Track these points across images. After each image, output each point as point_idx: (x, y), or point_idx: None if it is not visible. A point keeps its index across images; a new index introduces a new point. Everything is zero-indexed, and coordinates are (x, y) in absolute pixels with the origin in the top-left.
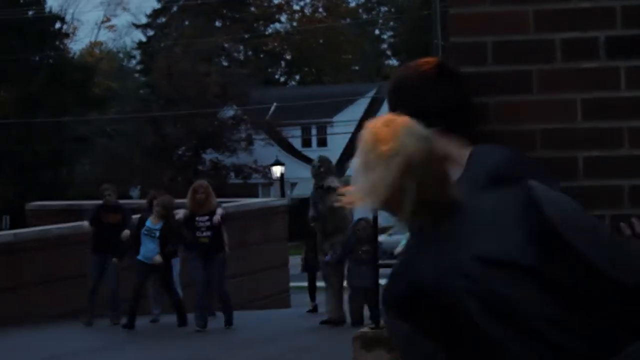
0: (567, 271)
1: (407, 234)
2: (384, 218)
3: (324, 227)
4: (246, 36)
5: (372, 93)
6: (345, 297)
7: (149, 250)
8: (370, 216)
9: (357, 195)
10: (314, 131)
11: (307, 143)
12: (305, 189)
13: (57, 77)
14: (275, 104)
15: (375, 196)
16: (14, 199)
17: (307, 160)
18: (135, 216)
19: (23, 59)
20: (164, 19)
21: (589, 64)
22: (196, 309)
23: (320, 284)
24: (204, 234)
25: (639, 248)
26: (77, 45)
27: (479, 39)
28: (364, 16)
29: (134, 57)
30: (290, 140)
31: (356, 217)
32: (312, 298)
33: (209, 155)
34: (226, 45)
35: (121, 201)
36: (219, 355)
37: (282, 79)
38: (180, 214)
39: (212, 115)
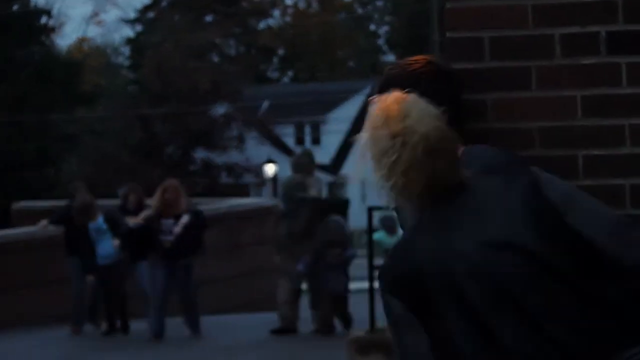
0: (568, 255)
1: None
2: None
3: (293, 226)
4: (238, 32)
5: (367, 90)
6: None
7: (105, 249)
8: (339, 218)
9: (372, 176)
10: (307, 129)
11: (300, 141)
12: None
13: (43, 73)
14: (267, 101)
15: (395, 178)
16: None
17: None
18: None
19: (7, 55)
20: (153, 14)
21: (589, 60)
22: (153, 315)
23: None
24: (168, 237)
25: None
26: (64, 40)
27: (476, 34)
28: (359, 10)
29: (122, 53)
30: (283, 138)
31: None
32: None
33: (199, 154)
34: (217, 41)
35: (108, 201)
36: None
37: (275, 76)
38: (144, 213)
39: (203, 113)
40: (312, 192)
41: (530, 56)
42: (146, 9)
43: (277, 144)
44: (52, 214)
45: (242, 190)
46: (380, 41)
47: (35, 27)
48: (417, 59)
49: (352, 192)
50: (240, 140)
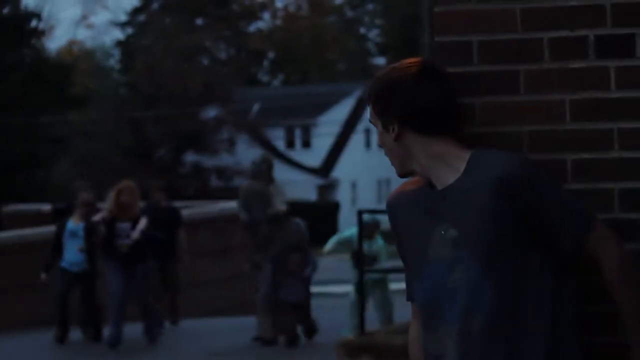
0: (519, 239)
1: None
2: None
3: (256, 234)
4: (229, 34)
5: (357, 93)
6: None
7: (73, 254)
8: (299, 221)
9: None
10: (298, 132)
11: (290, 144)
12: (289, 192)
13: (33, 76)
14: (258, 104)
15: None
16: None
17: (290, 162)
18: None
19: None
20: (144, 17)
21: (577, 64)
22: (110, 323)
23: None
24: (125, 241)
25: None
26: (54, 43)
27: (465, 38)
28: (349, 13)
29: (113, 56)
30: (274, 141)
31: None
32: None
33: (190, 157)
34: (208, 43)
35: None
36: None
37: (265, 79)
38: (98, 216)
39: (193, 116)
40: (278, 203)
41: (519, 60)
42: (136, 11)
43: (267, 147)
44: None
45: (232, 193)
46: (370, 44)
47: (25, 30)
48: (413, 61)
49: (342, 196)
50: (231, 143)
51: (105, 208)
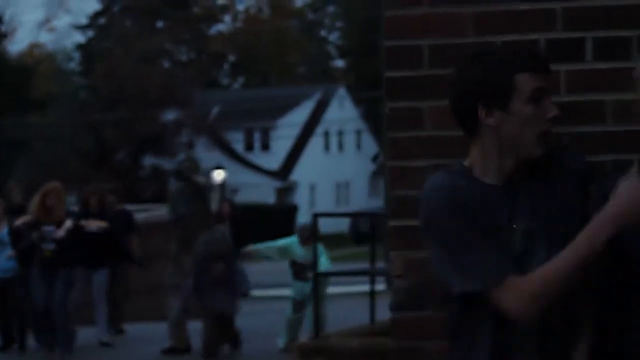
0: None
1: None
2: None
3: (184, 234)
4: (189, 37)
5: (317, 95)
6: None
7: (3, 261)
8: (224, 229)
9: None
10: (257, 135)
11: (250, 147)
12: (247, 195)
13: None
14: (217, 107)
15: None
16: None
17: (249, 165)
18: None
19: None
20: (104, 20)
21: None
22: (35, 332)
23: None
24: (49, 246)
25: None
26: (16, 46)
27: (415, 42)
28: (310, 16)
29: (73, 59)
30: (233, 144)
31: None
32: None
33: (149, 160)
34: (168, 46)
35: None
36: None
37: (225, 82)
38: (20, 220)
39: (153, 119)
40: (212, 201)
41: None
42: (97, 14)
43: (226, 150)
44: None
45: None
46: (331, 47)
47: None
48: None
49: (301, 199)
50: (190, 146)
51: (30, 210)
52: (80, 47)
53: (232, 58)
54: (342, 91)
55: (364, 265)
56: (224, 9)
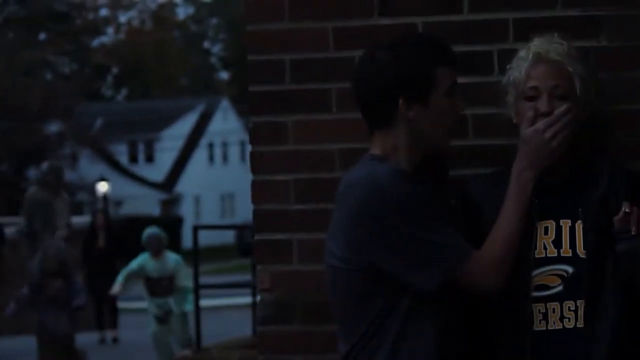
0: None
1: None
2: None
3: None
4: (72, 49)
5: (201, 107)
6: None
7: None
8: (59, 243)
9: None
10: (141, 147)
11: (134, 159)
12: (132, 207)
13: None
14: (101, 119)
15: None
16: None
17: (133, 177)
18: None
19: None
20: None
21: None
22: None
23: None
24: None
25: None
26: None
27: (276, 57)
28: (193, 28)
29: None
30: (117, 156)
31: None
32: (102, 327)
33: (32, 172)
34: (51, 58)
35: None
36: None
37: (108, 94)
38: None
39: (35, 131)
40: (60, 223)
41: (331, 79)
42: None
43: (110, 162)
44: None
45: (75, 209)
46: (214, 58)
47: None
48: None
49: (186, 210)
50: (74, 158)
51: None
52: None
53: (115, 70)
54: (225, 103)
55: (248, 277)
56: (107, 21)
